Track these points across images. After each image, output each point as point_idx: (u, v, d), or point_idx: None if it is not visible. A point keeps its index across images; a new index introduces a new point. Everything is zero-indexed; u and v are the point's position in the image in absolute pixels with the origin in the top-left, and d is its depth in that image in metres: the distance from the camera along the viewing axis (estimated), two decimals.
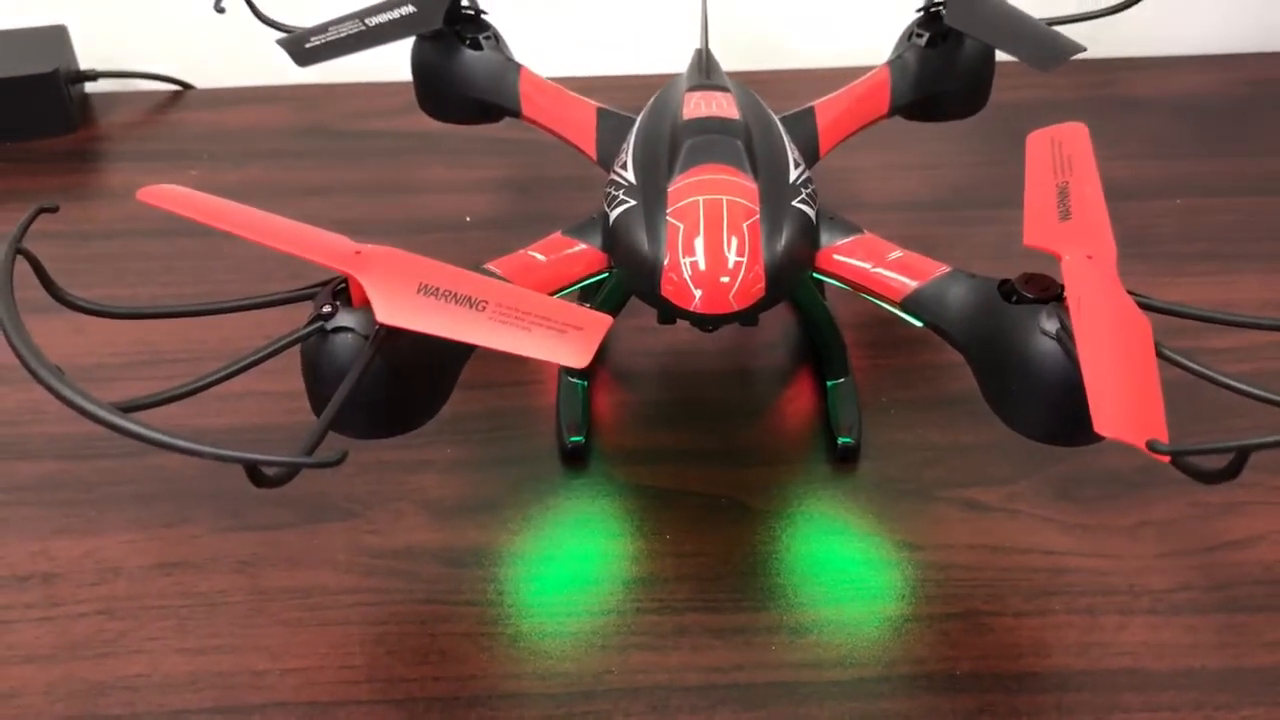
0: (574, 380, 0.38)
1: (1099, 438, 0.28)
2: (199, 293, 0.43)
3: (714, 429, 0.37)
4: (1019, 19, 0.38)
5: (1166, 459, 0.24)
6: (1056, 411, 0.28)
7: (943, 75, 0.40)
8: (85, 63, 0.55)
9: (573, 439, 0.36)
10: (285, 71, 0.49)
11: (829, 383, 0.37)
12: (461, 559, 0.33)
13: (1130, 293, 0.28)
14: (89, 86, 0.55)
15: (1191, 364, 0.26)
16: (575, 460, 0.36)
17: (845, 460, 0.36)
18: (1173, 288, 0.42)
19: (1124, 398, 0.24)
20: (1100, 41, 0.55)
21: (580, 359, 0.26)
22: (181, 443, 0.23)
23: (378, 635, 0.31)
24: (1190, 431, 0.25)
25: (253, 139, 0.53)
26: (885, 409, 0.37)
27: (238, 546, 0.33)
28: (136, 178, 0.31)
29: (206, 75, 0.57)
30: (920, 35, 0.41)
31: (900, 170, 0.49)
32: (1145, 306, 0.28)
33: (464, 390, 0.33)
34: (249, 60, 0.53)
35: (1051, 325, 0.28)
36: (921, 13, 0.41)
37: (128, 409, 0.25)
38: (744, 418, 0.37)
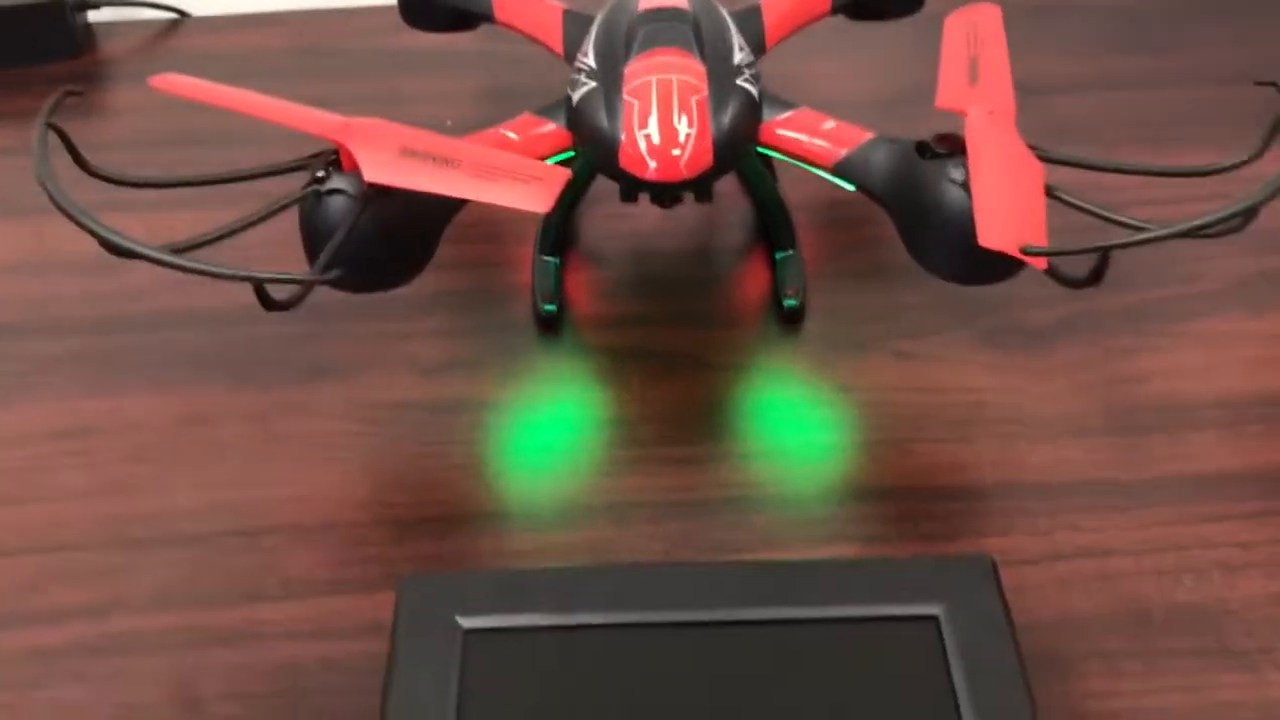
0: (546, 259, 0.41)
1: (1006, 274, 0.32)
2: (202, 194, 0.47)
3: (674, 298, 0.41)
4: None
5: (1040, 262, 0.28)
6: (966, 250, 0.32)
7: None
8: None
9: (546, 307, 0.40)
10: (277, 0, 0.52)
11: (777, 254, 0.41)
12: (449, 408, 0.37)
13: (1030, 146, 0.32)
14: (92, 15, 0.59)
15: (1078, 201, 0.30)
16: (549, 327, 0.40)
17: (791, 321, 0.40)
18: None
19: (1006, 216, 0.28)
20: None
21: (543, 204, 0.30)
22: (205, 267, 0.27)
23: (374, 469, 0.35)
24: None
25: (248, 60, 0.56)
26: (829, 277, 0.41)
27: (249, 402, 0.38)
28: (138, 97, 0.34)
29: (203, 4, 0.60)
30: None
31: (850, 75, 0.52)
32: (1041, 156, 0.32)
33: (444, 270, 0.38)
34: None
35: (959, 174, 0.32)
36: None
37: (177, 250, 0.28)
38: (701, 288, 0.41)
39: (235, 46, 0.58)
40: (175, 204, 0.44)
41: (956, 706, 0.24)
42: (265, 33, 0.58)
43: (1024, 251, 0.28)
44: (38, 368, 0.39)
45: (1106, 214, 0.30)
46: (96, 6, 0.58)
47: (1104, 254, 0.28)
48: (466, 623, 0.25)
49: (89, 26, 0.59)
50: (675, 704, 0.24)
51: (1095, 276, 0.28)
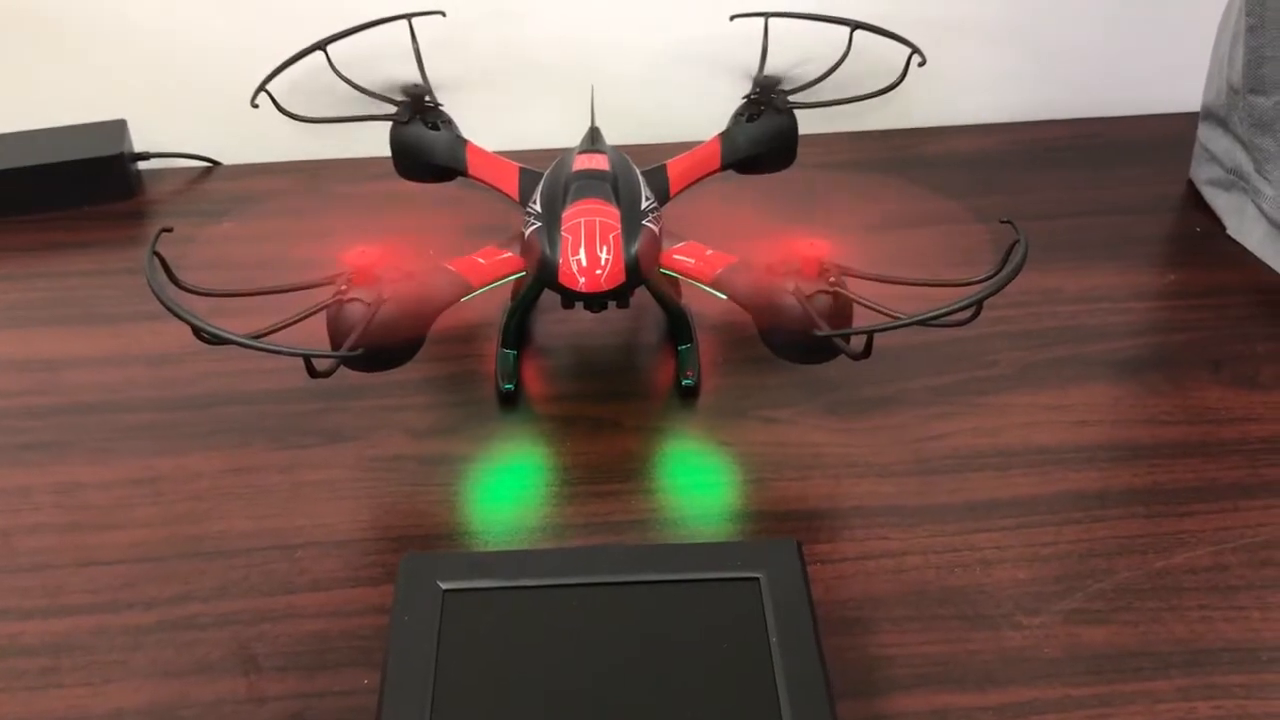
0: (506, 351, 0.55)
1: (825, 358, 0.46)
2: (232, 304, 0.60)
3: (601, 379, 0.54)
4: None
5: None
6: (798, 339, 0.45)
7: (758, 141, 0.58)
8: (139, 147, 0.72)
9: (506, 386, 0.53)
10: (292, 151, 0.66)
11: (679, 347, 0.55)
12: (433, 460, 0.50)
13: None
14: (142, 164, 0.72)
15: (867, 303, 0.44)
16: (508, 401, 0.53)
17: (688, 396, 0.53)
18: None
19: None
20: (906, 116, 0.74)
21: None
22: (274, 347, 0.40)
23: (377, 504, 0.48)
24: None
25: (268, 200, 0.70)
26: (718, 364, 0.55)
27: (282, 459, 0.50)
28: (179, 230, 0.47)
29: (230, 154, 0.74)
30: (743, 114, 0.59)
31: (742, 211, 0.66)
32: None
33: (431, 361, 0.50)
34: (263, 143, 0.71)
35: (791, 287, 0.45)
36: (745, 99, 0.59)
37: (255, 336, 0.41)
38: (621, 372, 0.55)
39: (257, 188, 0.72)
40: (212, 313, 0.57)
41: (768, 636, 0.37)
42: (281, 178, 0.72)
43: (817, 333, 0.41)
44: (120, 435, 0.52)
45: (878, 309, 0.44)
46: (146, 158, 0.72)
47: (870, 335, 0.42)
48: (445, 585, 0.38)
49: (140, 173, 0.72)
50: (586, 632, 0.37)
51: (867, 350, 0.42)
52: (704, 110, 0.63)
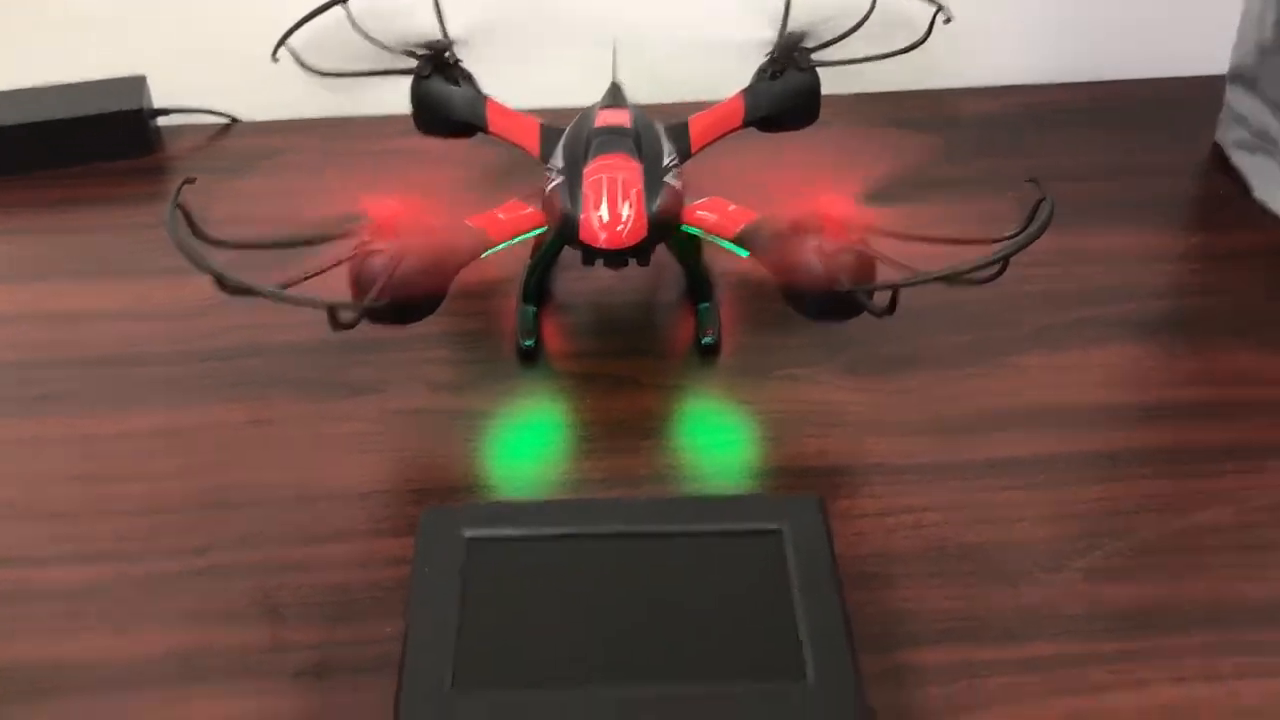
0: (527, 307, 0.54)
1: (853, 314, 0.46)
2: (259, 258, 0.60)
3: (621, 337, 0.54)
4: None
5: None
6: (818, 296, 0.45)
7: (781, 99, 0.58)
8: (158, 103, 0.72)
9: (526, 342, 0.53)
10: (312, 107, 0.66)
11: (700, 305, 0.54)
12: (454, 415, 0.50)
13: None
14: (161, 120, 0.72)
15: (894, 260, 0.44)
16: (527, 358, 0.53)
17: (708, 354, 0.53)
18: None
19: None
20: (930, 75, 0.73)
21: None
22: (298, 296, 0.40)
23: (398, 457, 0.48)
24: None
25: (285, 156, 0.70)
26: (739, 322, 0.54)
27: (304, 410, 0.50)
28: (199, 185, 0.47)
29: (250, 111, 0.74)
30: (766, 72, 0.58)
31: (764, 168, 0.66)
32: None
33: (452, 316, 0.50)
34: (284, 99, 0.70)
35: (814, 243, 0.45)
36: (767, 56, 0.59)
37: (284, 286, 0.41)
38: (642, 329, 0.55)
39: (276, 145, 0.71)
40: (231, 268, 0.57)
41: (789, 588, 0.37)
42: (301, 135, 0.72)
43: (838, 287, 0.41)
44: (141, 387, 0.52)
45: (902, 266, 0.43)
46: (165, 113, 0.72)
47: (895, 292, 0.41)
48: (468, 533, 0.38)
49: (159, 129, 0.72)
50: (609, 581, 0.37)
51: (891, 307, 0.42)
52: (726, 68, 0.62)
